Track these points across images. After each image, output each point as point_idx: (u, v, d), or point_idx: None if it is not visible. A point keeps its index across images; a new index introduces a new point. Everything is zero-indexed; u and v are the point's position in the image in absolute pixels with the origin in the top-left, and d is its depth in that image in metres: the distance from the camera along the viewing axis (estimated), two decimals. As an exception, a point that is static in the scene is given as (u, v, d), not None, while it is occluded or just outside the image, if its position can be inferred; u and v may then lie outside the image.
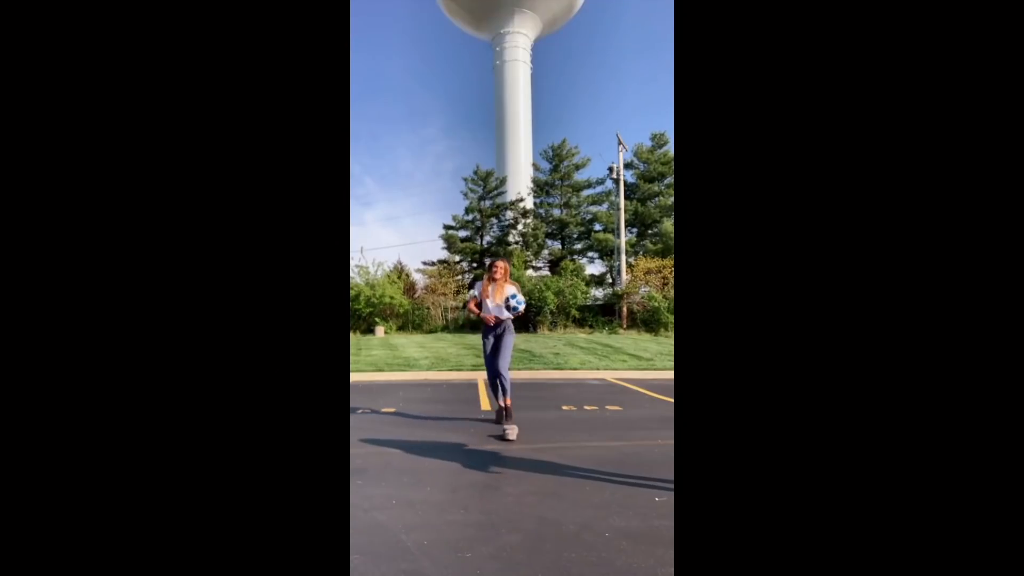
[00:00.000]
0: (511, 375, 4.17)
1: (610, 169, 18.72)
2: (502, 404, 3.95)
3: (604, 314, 17.21)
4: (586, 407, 4.80)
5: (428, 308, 16.32)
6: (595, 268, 20.71)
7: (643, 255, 18.59)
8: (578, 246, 21.31)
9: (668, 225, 18.98)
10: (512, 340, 4.05)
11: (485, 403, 5.08)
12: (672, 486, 2.48)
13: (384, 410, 4.65)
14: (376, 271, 17.27)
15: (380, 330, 15.19)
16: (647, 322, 15.51)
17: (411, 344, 11.51)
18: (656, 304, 15.30)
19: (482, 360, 9.61)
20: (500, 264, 4.07)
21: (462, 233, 21.44)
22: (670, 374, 7.47)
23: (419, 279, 18.81)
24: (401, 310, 16.20)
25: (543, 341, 12.02)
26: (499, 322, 4.00)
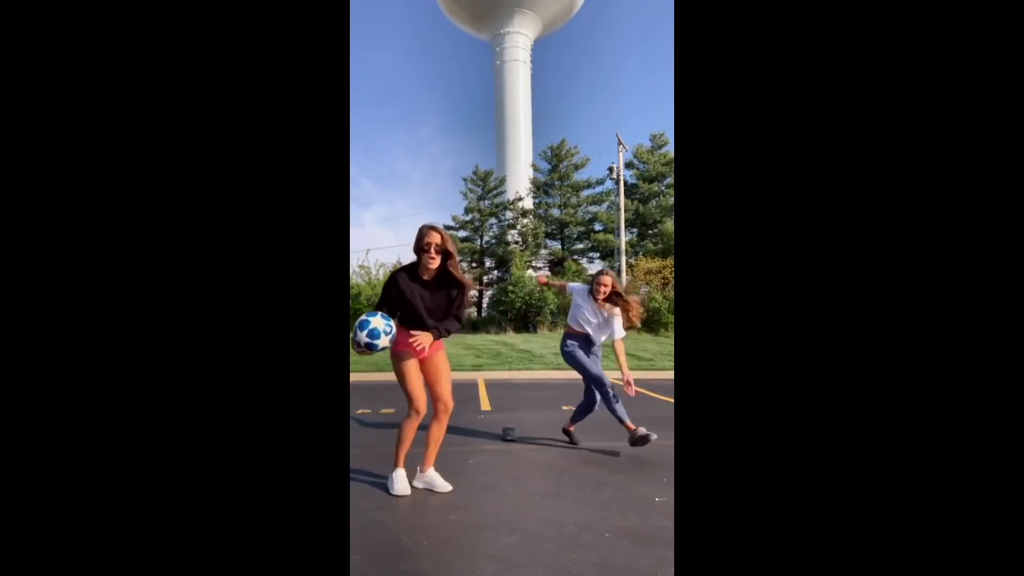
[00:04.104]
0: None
1: (610, 169, 18.70)
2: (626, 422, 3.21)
3: (604, 314, 17.17)
4: (586, 407, 4.79)
5: (428, 308, 16.28)
6: (595, 268, 20.72)
7: (643, 255, 18.57)
8: (578, 246, 21.30)
9: (668, 225, 18.94)
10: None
11: (485, 403, 5.08)
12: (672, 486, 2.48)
13: (384, 410, 4.65)
14: (378, 271, 17.27)
15: (380, 330, 15.15)
16: (647, 322, 15.50)
17: (411, 344, 11.47)
18: (656, 304, 15.30)
19: (482, 361, 9.55)
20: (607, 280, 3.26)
21: (461, 233, 21.45)
22: (670, 374, 7.46)
23: (419, 279, 18.77)
24: (401, 310, 16.17)
25: (543, 341, 12.01)
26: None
